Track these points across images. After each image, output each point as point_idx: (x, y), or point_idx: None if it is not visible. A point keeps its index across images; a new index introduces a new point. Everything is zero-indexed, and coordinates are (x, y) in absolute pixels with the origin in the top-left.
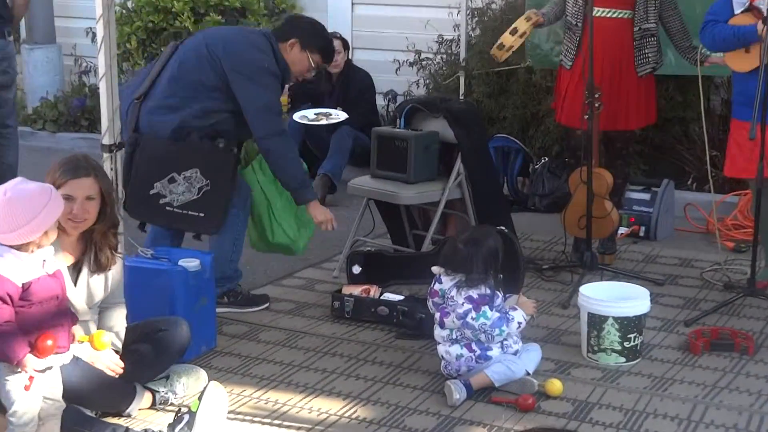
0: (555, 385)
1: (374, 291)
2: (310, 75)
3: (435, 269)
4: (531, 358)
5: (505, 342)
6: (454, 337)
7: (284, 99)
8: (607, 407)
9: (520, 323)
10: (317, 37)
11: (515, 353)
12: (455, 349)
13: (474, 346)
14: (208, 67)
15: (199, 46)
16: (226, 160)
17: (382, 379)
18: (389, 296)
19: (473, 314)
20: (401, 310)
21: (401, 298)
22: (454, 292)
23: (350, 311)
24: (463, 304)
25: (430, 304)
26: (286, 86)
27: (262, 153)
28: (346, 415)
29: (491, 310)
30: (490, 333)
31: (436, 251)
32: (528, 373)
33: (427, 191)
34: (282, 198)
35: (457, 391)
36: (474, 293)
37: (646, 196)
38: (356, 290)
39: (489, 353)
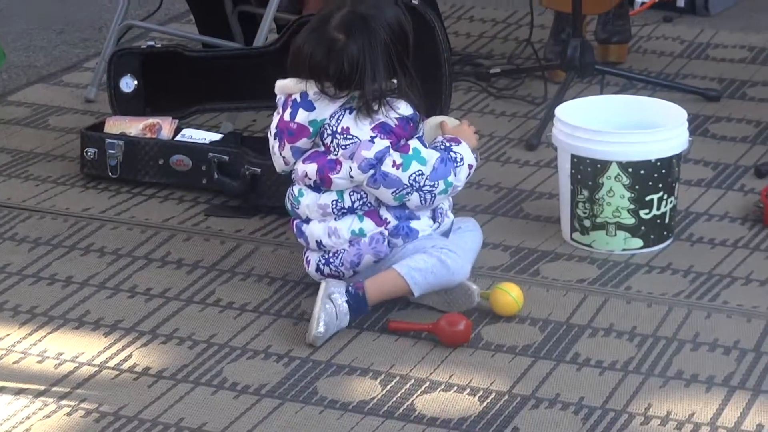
0: (508, 295)
1: (166, 126)
2: None
3: (291, 83)
4: (464, 244)
5: (440, 207)
6: (346, 203)
7: None
8: (606, 334)
9: (471, 167)
10: None
11: (447, 232)
12: (348, 223)
13: (385, 214)
14: None
15: None
16: None
17: (182, 294)
18: (193, 135)
19: (396, 158)
20: (216, 162)
21: (217, 137)
22: (347, 120)
23: (118, 165)
24: (373, 141)
25: (284, 153)
26: None
27: None
28: (112, 364)
29: (425, 147)
30: (431, 190)
31: (283, 45)
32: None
33: None
34: None
35: (323, 319)
36: (389, 115)
37: None
38: (130, 126)
39: (414, 225)
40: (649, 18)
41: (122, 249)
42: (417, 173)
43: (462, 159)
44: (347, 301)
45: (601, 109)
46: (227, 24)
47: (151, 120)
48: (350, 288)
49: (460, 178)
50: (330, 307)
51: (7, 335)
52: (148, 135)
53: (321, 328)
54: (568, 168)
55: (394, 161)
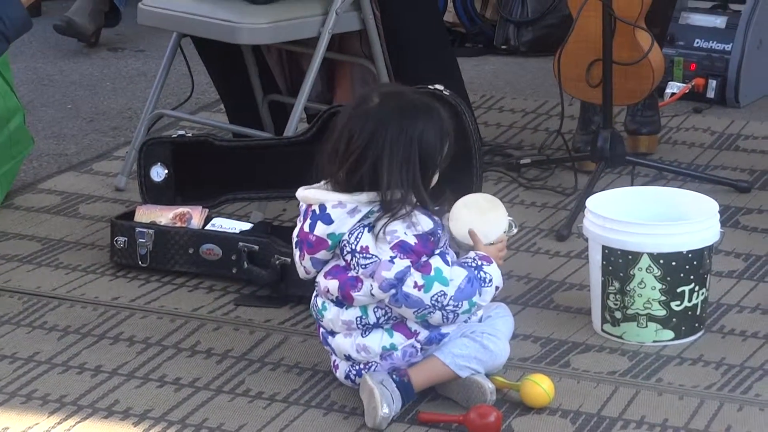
0: (539, 387)
1: (197, 216)
2: None
3: (311, 194)
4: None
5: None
6: (371, 319)
7: None
8: (637, 426)
9: (497, 288)
10: None
11: (480, 321)
12: (378, 339)
13: (414, 326)
14: None
15: None
16: None
17: (211, 384)
18: (223, 224)
19: (417, 279)
20: (246, 251)
21: (247, 227)
22: (365, 239)
23: (148, 254)
24: (393, 261)
25: (304, 263)
26: None
27: None
28: None
29: (448, 265)
30: (454, 310)
31: (313, 135)
32: None
33: (294, 19)
34: None
35: (384, 400)
36: (408, 233)
37: (718, 22)
38: (160, 215)
39: (444, 330)
40: (679, 109)
41: (151, 338)
42: (439, 294)
43: (491, 280)
44: (397, 387)
45: (631, 201)
46: (257, 113)
47: (181, 209)
48: (395, 376)
49: (485, 298)
50: (386, 390)
51: (36, 424)
52: (179, 224)
53: (386, 410)
54: (599, 259)
55: (415, 282)
